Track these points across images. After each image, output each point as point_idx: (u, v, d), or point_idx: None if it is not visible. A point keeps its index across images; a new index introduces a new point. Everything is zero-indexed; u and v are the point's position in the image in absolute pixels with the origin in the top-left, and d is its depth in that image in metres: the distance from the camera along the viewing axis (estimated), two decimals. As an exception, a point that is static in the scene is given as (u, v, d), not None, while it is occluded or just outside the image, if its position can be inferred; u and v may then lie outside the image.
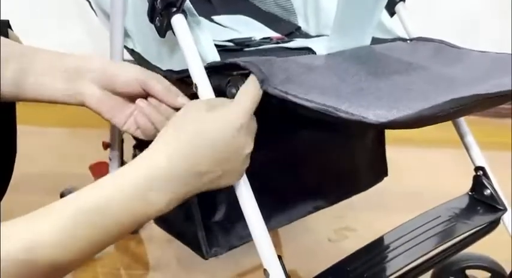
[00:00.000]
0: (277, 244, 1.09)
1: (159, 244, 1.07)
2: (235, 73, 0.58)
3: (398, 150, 1.49)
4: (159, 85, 0.61)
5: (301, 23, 0.91)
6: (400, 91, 0.57)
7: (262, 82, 0.54)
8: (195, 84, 0.59)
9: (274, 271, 0.55)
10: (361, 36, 0.68)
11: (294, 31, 0.90)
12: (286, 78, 0.54)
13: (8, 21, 0.82)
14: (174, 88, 0.62)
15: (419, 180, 1.28)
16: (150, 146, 0.51)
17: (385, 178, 1.26)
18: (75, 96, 0.62)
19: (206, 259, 0.66)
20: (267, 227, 0.70)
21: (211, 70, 0.60)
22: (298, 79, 0.55)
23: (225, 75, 0.59)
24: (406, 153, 1.50)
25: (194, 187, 0.51)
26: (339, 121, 0.48)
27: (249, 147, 0.54)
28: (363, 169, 0.84)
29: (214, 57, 0.62)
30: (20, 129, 0.73)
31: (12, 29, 0.83)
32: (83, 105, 0.63)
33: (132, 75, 0.61)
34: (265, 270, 0.56)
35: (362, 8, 0.64)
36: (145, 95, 0.63)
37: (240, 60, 0.57)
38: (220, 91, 0.59)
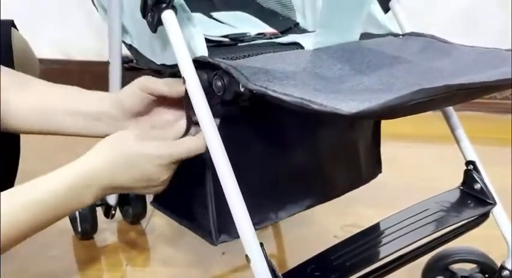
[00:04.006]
0: (282, 240, 1.11)
1: (165, 240, 1.08)
2: (220, 68, 0.60)
3: (408, 146, 1.50)
4: (164, 86, 0.66)
5: (299, 19, 0.93)
6: (381, 85, 0.59)
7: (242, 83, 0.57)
8: (183, 78, 0.62)
9: (256, 257, 0.57)
10: (349, 32, 0.70)
11: (293, 27, 0.92)
12: (267, 79, 0.56)
13: (12, 21, 0.85)
14: (176, 81, 0.66)
15: (430, 177, 1.28)
16: (87, 154, 0.61)
17: (395, 176, 1.26)
18: (103, 134, 0.67)
19: (215, 245, 0.68)
20: (269, 221, 0.74)
21: (199, 64, 0.63)
22: (279, 77, 0.57)
23: (212, 69, 0.62)
24: (416, 149, 1.50)
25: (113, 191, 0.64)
26: (315, 113, 0.49)
27: (161, 178, 0.63)
28: (361, 165, 0.85)
29: (203, 52, 0.65)
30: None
31: (17, 29, 0.86)
32: None
33: (137, 90, 0.67)
34: (247, 256, 0.58)
35: (347, 3, 0.65)
36: (156, 101, 0.68)
37: (224, 62, 0.60)
38: (207, 84, 0.62)
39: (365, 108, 0.45)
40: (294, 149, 0.76)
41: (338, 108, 0.47)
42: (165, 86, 0.66)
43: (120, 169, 0.61)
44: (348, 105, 0.46)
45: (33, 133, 0.71)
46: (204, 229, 0.69)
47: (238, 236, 0.68)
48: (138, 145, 0.61)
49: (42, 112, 0.68)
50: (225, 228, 0.68)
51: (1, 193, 0.57)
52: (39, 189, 0.58)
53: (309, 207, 0.79)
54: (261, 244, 0.58)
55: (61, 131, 0.69)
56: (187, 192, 0.70)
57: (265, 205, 0.72)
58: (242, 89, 0.57)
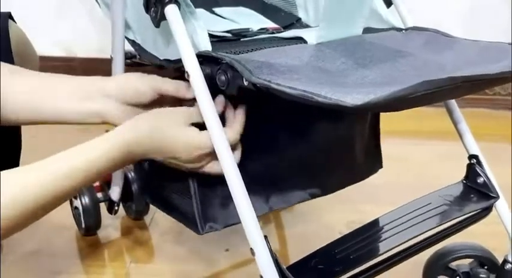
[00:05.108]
0: (285, 236, 1.11)
1: (169, 236, 1.08)
2: (224, 62, 0.60)
3: (414, 144, 1.49)
4: (172, 86, 0.69)
5: (301, 14, 0.93)
6: (384, 78, 0.59)
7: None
8: (187, 72, 0.62)
9: (260, 250, 0.58)
10: (351, 26, 0.70)
11: (295, 22, 0.92)
12: (270, 73, 0.57)
13: (9, 13, 0.85)
14: (183, 83, 0.68)
15: (436, 175, 1.27)
16: (134, 118, 0.64)
17: (401, 173, 1.25)
18: (97, 115, 0.68)
19: (201, 235, 0.68)
20: (263, 209, 0.74)
21: (203, 59, 0.63)
22: (282, 71, 0.57)
23: (216, 63, 0.62)
24: (422, 147, 1.49)
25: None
26: (318, 106, 0.50)
27: (186, 166, 0.64)
28: (358, 160, 0.86)
29: (206, 46, 0.65)
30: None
31: (15, 21, 0.86)
32: (105, 122, 0.69)
33: (148, 85, 0.68)
34: (251, 249, 0.58)
35: (350, -3, 0.66)
36: (160, 100, 0.69)
37: (228, 56, 0.61)
38: (211, 78, 0.62)
39: (370, 100, 0.45)
40: (288, 142, 0.76)
41: (343, 100, 0.47)
42: (176, 89, 0.68)
43: (154, 146, 0.63)
44: (353, 98, 0.46)
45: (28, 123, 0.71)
46: (189, 219, 0.69)
47: (225, 225, 0.69)
48: (176, 129, 0.63)
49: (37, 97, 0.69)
50: (211, 217, 0.68)
51: (42, 160, 0.58)
52: (76, 157, 0.60)
53: (306, 199, 0.79)
54: (265, 237, 0.58)
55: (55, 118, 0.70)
56: (173, 183, 0.71)
57: (257, 196, 0.72)
58: (246, 83, 0.57)
